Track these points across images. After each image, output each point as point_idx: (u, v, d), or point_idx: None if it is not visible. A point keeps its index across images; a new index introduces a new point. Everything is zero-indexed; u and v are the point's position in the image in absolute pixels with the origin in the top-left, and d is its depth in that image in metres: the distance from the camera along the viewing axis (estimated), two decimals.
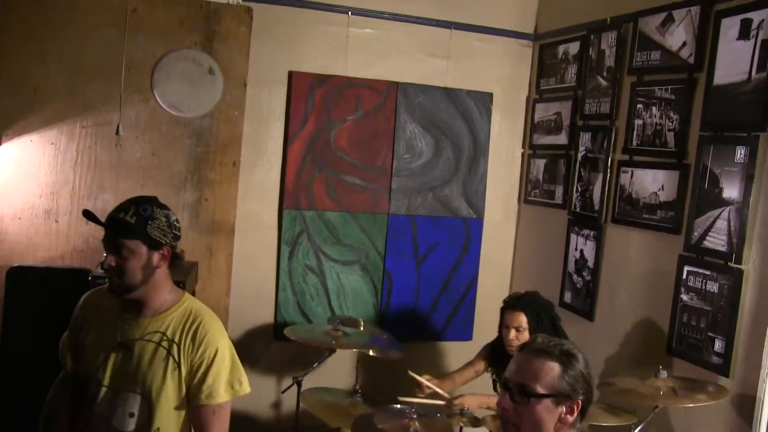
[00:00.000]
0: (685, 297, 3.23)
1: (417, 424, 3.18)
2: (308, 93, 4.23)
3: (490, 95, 4.59)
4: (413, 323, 4.50)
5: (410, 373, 3.37)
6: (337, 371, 4.02)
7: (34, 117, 3.84)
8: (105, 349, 2.20)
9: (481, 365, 3.60)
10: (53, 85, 3.85)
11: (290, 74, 4.23)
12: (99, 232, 3.77)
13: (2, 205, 3.85)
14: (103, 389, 2.18)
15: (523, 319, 3.30)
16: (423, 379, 3.36)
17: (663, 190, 3.44)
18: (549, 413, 1.76)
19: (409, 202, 4.46)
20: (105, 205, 3.89)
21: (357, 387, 3.61)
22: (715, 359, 3.04)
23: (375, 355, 3.74)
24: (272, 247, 4.25)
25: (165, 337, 2.17)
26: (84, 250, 3.91)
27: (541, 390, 1.76)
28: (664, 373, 2.91)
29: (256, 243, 4.22)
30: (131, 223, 2.10)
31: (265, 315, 4.26)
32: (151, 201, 2.19)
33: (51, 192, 3.89)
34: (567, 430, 1.79)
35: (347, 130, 4.32)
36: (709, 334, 3.08)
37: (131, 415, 2.16)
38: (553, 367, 1.78)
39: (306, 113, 4.24)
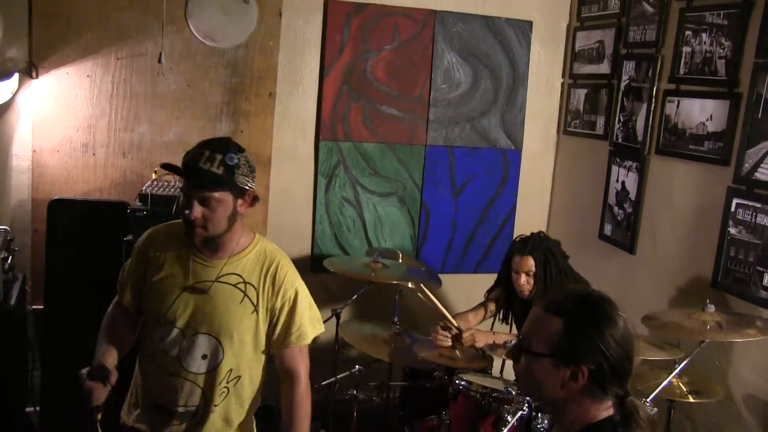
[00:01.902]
0: (733, 230, 3.06)
1: (457, 353, 3.15)
2: (344, 22, 4.03)
3: (530, 23, 4.35)
4: (450, 255, 4.41)
5: (423, 288, 3.25)
6: (376, 303, 3.95)
7: (69, 49, 3.73)
8: (176, 290, 2.11)
9: (492, 306, 3.49)
10: (86, 15, 3.71)
11: (326, 2, 4.01)
12: (136, 165, 3.82)
13: (41, 138, 3.78)
14: (175, 330, 2.10)
15: (531, 263, 3.17)
16: (438, 303, 3.23)
17: (711, 120, 3.24)
18: (548, 375, 1.52)
19: (446, 133, 4.29)
20: (141, 137, 3.82)
21: (395, 319, 3.55)
22: (763, 294, 2.90)
23: (413, 287, 3.65)
24: (309, 179, 4.13)
25: (241, 279, 2.10)
26: (121, 183, 3.85)
27: (536, 347, 1.54)
28: (711, 307, 2.78)
29: (293, 175, 4.10)
30: (219, 174, 1.99)
31: (302, 247, 4.17)
32: (232, 146, 2.08)
33: (88, 125, 3.81)
34: (584, 399, 1.52)
35: (384, 60, 4.13)
36: (758, 268, 2.93)
37: (204, 356, 2.10)
38: (555, 324, 1.52)
39: (342, 43, 4.05)
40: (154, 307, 2.15)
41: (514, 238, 3.37)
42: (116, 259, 3.09)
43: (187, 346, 2.10)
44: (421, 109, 4.23)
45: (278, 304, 2.12)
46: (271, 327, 2.14)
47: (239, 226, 2.13)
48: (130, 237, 3.30)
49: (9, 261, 3.41)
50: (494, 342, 3.14)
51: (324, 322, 3.75)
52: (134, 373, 2.28)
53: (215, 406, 2.13)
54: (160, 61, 3.69)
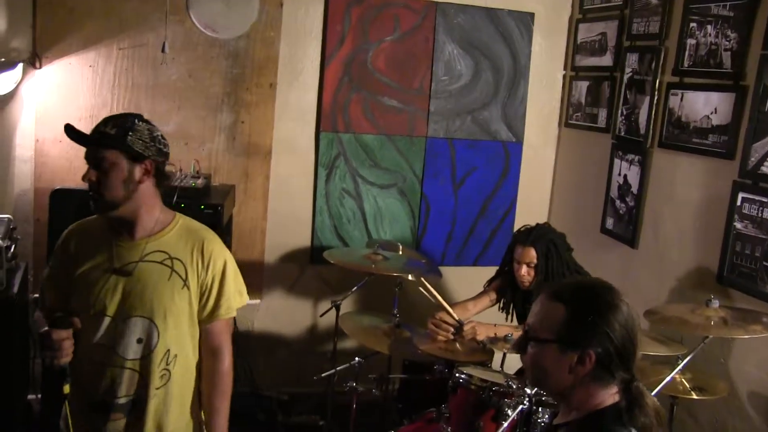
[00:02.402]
0: (738, 225, 2.99)
1: (458, 346, 3.08)
2: (345, 13, 3.96)
3: (532, 15, 4.27)
4: (450, 248, 4.34)
5: (423, 281, 3.18)
6: (375, 295, 3.89)
7: (72, 39, 3.69)
8: (101, 278, 2.01)
9: (493, 295, 3.43)
10: (89, 5, 3.67)
11: None
12: None
13: (44, 128, 3.74)
14: (106, 318, 1.99)
15: (533, 255, 3.09)
16: (438, 296, 3.17)
17: (716, 113, 3.16)
18: (555, 361, 1.52)
19: (447, 124, 4.22)
20: None
21: (395, 311, 3.49)
22: None
23: (413, 279, 3.59)
24: (309, 170, 4.07)
25: (167, 255, 2.03)
26: None
27: (541, 334, 1.55)
28: (715, 303, 2.70)
29: (293, 166, 4.04)
30: (111, 134, 1.94)
31: (302, 238, 4.12)
32: (134, 115, 2.03)
33: (90, 115, 3.75)
34: (591, 384, 1.52)
35: (384, 51, 4.06)
36: (765, 263, 2.85)
37: (139, 341, 2.00)
38: (558, 310, 1.53)
39: (343, 34, 3.98)
40: (83, 300, 2.03)
41: (518, 228, 3.30)
42: None
43: (121, 332, 1.99)
44: (422, 101, 4.16)
45: (209, 278, 2.06)
46: (202, 301, 2.07)
47: (150, 201, 2.04)
48: None
49: (12, 250, 3.36)
50: (495, 335, 3.07)
51: (323, 314, 3.80)
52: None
53: (156, 389, 2.02)
54: (163, 50, 3.63)
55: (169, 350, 2.03)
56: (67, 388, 1.95)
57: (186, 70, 3.80)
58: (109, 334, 1.99)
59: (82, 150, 3.66)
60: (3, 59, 3.54)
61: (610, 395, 1.52)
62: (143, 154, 1.96)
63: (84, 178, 1.96)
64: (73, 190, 3.49)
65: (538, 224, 3.21)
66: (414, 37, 4.10)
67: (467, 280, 3.99)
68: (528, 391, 2.68)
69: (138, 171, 1.97)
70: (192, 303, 2.05)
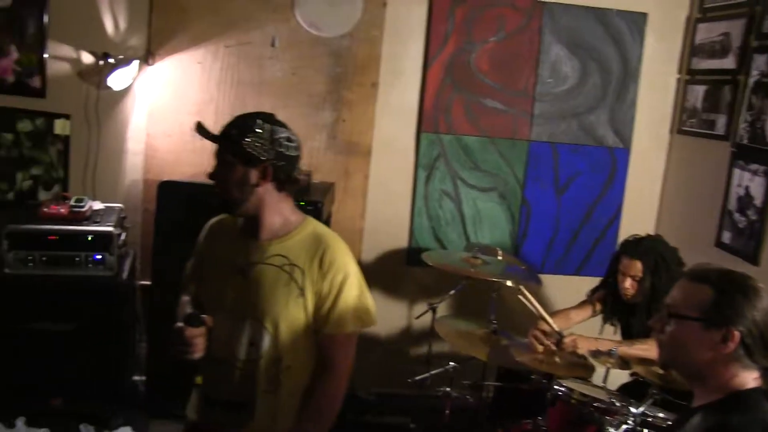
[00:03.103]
0: None
1: (557, 359, 2.93)
2: (449, 13, 3.87)
3: (644, 15, 4.03)
4: (550, 255, 4.16)
5: (523, 290, 3.03)
6: (472, 300, 3.77)
7: (183, 37, 3.77)
8: (225, 274, 2.01)
9: (598, 305, 3.24)
10: (199, 4, 3.74)
11: None
12: None
13: (155, 122, 3.84)
14: (224, 315, 1.99)
15: (639, 268, 2.92)
16: (538, 306, 3.00)
17: None
18: (697, 338, 1.58)
19: (551, 128, 4.05)
20: None
21: (492, 317, 3.36)
22: None
23: (512, 285, 3.45)
24: (409, 171, 3.99)
25: (287, 261, 1.95)
26: None
27: (686, 311, 1.61)
28: None
29: (393, 166, 3.98)
30: (230, 136, 1.92)
31: (399, 239, 4.04)
32: (261, 115, 1.95)
33: (197, 110, 3.82)
34: (733, 364, 1.56)
35: (488, 52, 3.93)
36: None
37: (251, 343, 1.96)
38: (704, 290, 1.59)
39: (446, 34, 3.88)
40: (208, 294, 2.07)
41: (626, 237, 3.10)
42: None
43: (235, 331, 1.97)
44: (525, 104, 4.01)
45: (325, 288, 1.94)
46: (316, 312, 1.97)
47: (273, 204, 1.97)
48: None
49: (123, 237, 3.48)
50: (597, 349, 2.88)
51: (419, 316, 3.71)
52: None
53: (264, 393, 1.98)
54: (273, 44, 3.66)
55: (280, 358, 1.96)
56: (199, 379, 1.99)
57: (290, 68, 3.81)
58: (225, 332, 1.98)
59: (189, 144, 3.80)
60: (121, 56, 3.69)
61: (752, 378, 1.56)
62: (259, 158, 1.90)
63: (209, 174, 1.98)
64: (180, 183, 3.60)
65: (648, 235, 3.01)
66: (519, 37, 3.95)
67: (567, 290, 3.82)
68: (633, 410, 2.50)
69: (254, 175, 1.92)
70: (308, 313, 1.96)
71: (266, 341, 1.95)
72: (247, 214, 1.97)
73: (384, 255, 4.05)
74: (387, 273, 4.05)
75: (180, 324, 1.94)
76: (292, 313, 1.94)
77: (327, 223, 3.61)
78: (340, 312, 1.95)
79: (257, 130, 1.90)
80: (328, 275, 1.94)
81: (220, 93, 3.80)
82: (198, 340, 1.91)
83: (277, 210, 1.98)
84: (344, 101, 3.85)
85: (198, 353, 1.92)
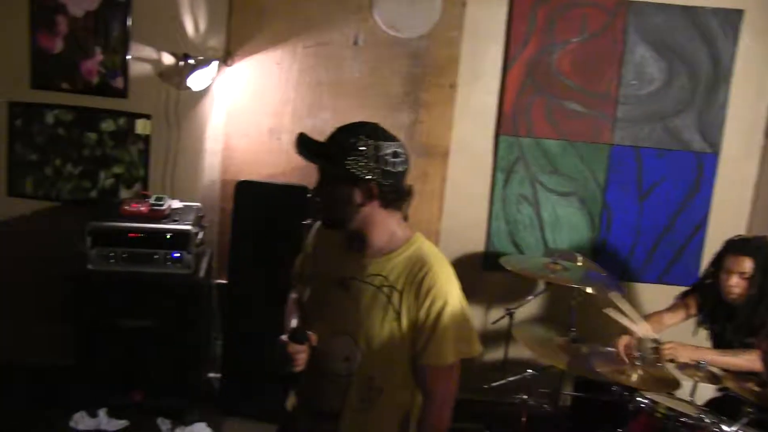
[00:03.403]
0: None
1: (641, 372, 2.90)
2: (530, 13, 3.88)
3: (740, 12, 3.94)
4: (632, 263, 4.12)
5: (615, 298, 3.00)
6: (551, 306, 3.76)
7: (261, 37, 3.88)
8: (326, 283, 1.99)
9: (693, 309, 3.19)
10: (277, 5, 3.85)
11: None
12: None
13: (233, 122, 3.97)
14: (321, 327, 1.97)
15: (748, 265, 2.88)
16: (632, 312, 2.97)
17: None
18: None
19: (634, 132, 4.01)
20: (324, 123, 3.88)
21: (571, 324, 3.36)
22: None
23: (592, 292, 3.44)
24: (486, 174, 4.01)
25: (386, 282, 1.88)
26: (303, 168, 3.81)
27: None
28: None
29: (470, 168, 4.00)
30: (331, 154, 1.83)
31: (476, 243, 4.07)
32: (364, 130, 1.87)
33: (275, 111, 3.94)
34: None
35: (571, 53, 3.92)
36: None
37: (345, 359, 1.93)
38: None
39: (527, 34, 3.90)
40: (307, 303, 2.06)
41: (731, 236, 3.07)
42: (295, 240, 3.16)
43: (330, 345, 1.95)
44: (608, 106, 3.98)
45: (422, 315, 1.86)
46: (413, 338, 1.89)
47: (379, 222, 1.90)
48: (308, 221, 3.40)
49: (200, 236, 3.62)
50: (698, 361, 2.82)
51: (496, 321, 3.73)
52: None
53: (353, 412, 1.96)
54: (356, 43, 3.75)
55: (372, 378, 1.93)
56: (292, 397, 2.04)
57: (368, 69, 3.89)
58: (322, 344, 1.96)
59: (266, 144, 3.92)
60: (201, 57, 3.83)
61: None
62: (363, 178, 1.82)
63: (312, 190, 1.97)
64: (256, 183, 3.73)
65: (756, 236, 2.98)
66: (602, 37, 3.93)
67: (649, 298, 3.79)
68: (725, 428, 2.46)
69: (358, 194, 1.84)
70: (403, 336, 1.89)
71: (359, 359, 1.91)
72: (351, 229, 1.92)
73: (460, 258, 4.08)
74: (463, 277, 3.97)
75: (284, 338, 1.94)
76: (386, 335, 1.88)
77: None
78: (438, 342, 1.87)
79: (360, 148, 1.81)
80: (426, 302, 1.86)
81: (297, 94, 3.91)
82: (300, 356, 1.90)
83: (384, 226, 1.92)
84: (422, 102, 3.91)
85: (298, 368, 1.91)
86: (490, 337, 4.09)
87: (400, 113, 3.91)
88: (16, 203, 4.07)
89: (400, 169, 1.88)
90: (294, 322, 2.08)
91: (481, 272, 4.08)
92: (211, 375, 4.03)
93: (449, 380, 1.93)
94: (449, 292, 1.89)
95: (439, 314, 1.85)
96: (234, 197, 3.68)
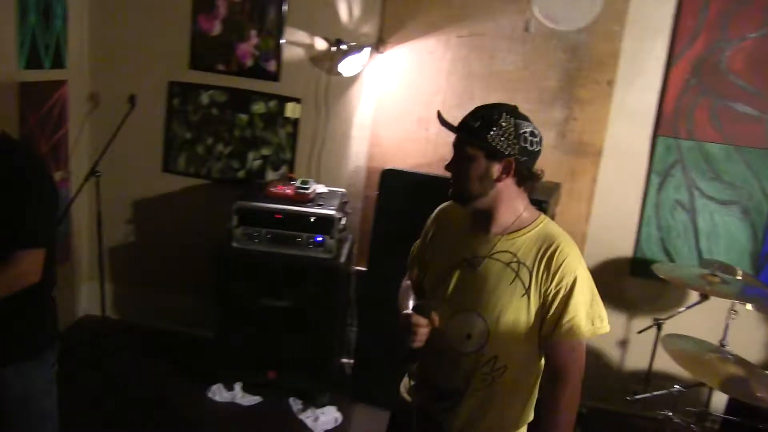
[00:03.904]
0: None
1: None
2: (701, 6, 3.78)
3: None
4: None
5: None
6: (703, 320, 3.69)
7: (414, 25, 4.02)
8: (450, 264, 2.07)
9: None
10: None
11: None
12: None
13: (381, 110, 4.14)
14: (445, 305, 2.05)
15: None
16: None
17: None
18: None
19: None
20: None
21: (724, 341, 3.30)
22: None
23: (751, 309, 3.37)
24: (640, 176, 3.98)
25: (515, 259, 1.98)
26: (449, 159, 4.03)
27: None
28: None
29: (623, 170, 3.98)
30: (474, 128, 1.94)
31: (624, 247, 4.05)
32: (505, 108, 1.98)
33: (424, 100, 4.07)
34: None
35: (745, 51, 3.79)
36: None
37: (468, 336, 2.01)
38: None
39: (696, 30, 3.81)
40: (431, 282, 2.15)
41: None
42: None
43: (455, 323, 2.03)
44: None
45: (552, 290, 1.94)
46: (541, 314, 1.97)
47: (510, 199, 2.00)
48: None
49: (343, 222, 3.81)
50: None
51: (642, 330, 3.71)
52: None
53: (476, 391, 2.04)
54: (527, 29, 3.82)
55: (496, 357, 2.01)
56: (414, 366, 2.12)
57: (522, 62, 3.94)
58: (445, 322, 2.04)
59: (414, 133, 4.06)
60: (353, 43, 4.02)
61: None
62: (503, 152, 1.93)
63: (445, 166, 2.05)
64: (402, 171, 3.83)
65: None
66: None
67: None
68: None
69: (496, 169, 1.95)
70: (531, 314, 1.98)
71: (483, 337, 2.00)
72: (481, 208, 2.01)
73: (606, 262, 4.08)
74: (607, 281, 4.05)
75: (408, 311, 2.03)
76: (513, 312, 1.97)
77: None
78: (571, 316, 1.95)
79: (502, 123, 1.93)
80: (556, 278, 1.95)
81: (448, 84, 4.02)
82: (422, 331, 1.99)
83: (512, 205, 2.02)
84: (576, 99, 3.92)
85: (418, 343, 2.00)
86: (634, 347, 4.07)
87: (553, 109, 3.94)
88: (170, 179, 4.45)
89: (536, 148, 1.99)
90: (411, 296, 2.19)
91: (627, 278, 4.06)
92: (344, 361, 4.24)
93: (580, 356, 1.99)
94: (579, 269, 1.97)
95: (571, 290, 1.94)
96: (379, 185, 3.82)
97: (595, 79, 3.90)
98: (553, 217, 3.80)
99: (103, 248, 4.28)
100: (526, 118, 1.99)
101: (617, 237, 4.04)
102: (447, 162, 2.03)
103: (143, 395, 3.91)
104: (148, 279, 4.64)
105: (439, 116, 2.06)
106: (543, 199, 3.47)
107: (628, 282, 4.06)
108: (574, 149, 3.96)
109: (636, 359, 4.07)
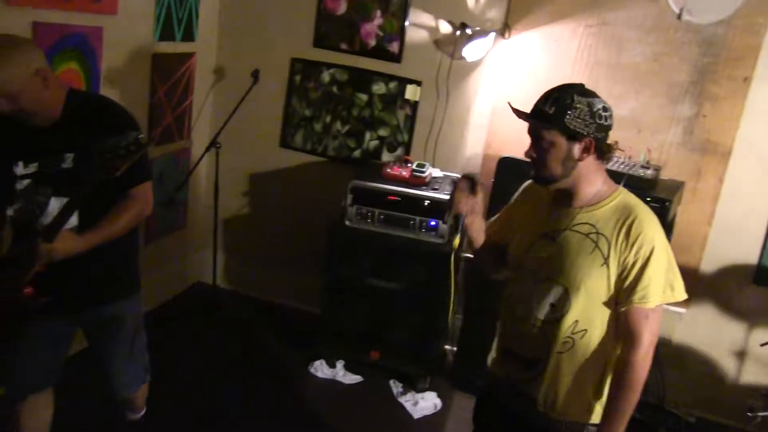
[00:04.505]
0: None
1: None
2: None
3: None
4: None
5: None
6: None
7: (542, 12, 4.13)
8: (531, 236, 2.28)
9: None
10: None
11: None
12: None
13: (501, 98, 4.26)
14: (528, 276, 2.26)
15: None
16: None
17: None
18: None
19: None
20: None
21: None
22: None
23: None
24: None
25: (594, 230, 2.16)
26: None
27: None
28: None
29: (754, 172, 3.95)
30: (549, 114, 2.09)
31: (748, 254, 4.02)
32: (574, 88, 2.13)
33: (546, 88, 4.03)
34: None
35: None
36: None
37: (551, 305, 2.20)
38: None
39: None
40: (513, 252, 2.34)
41: None
42: None
43: (537, 293, 2.22)
44: None
45: (630, 259, 2.11)
46: (619, 282, 2.14)
47: (591, 175, 2.18)
48: None
49: None
50: None
51: (765, 344, 3.69)
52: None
53: (558, 353, 2.21)
54: (679, 17, 3.83)
55: (577, 321, 2.18)
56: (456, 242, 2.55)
57: (652, 53, 3.98)
58: (528, 292, 2.26)
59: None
60: (478, 28, 4.16)
61: None
62: (582, 132, 2.09)
63: (526, 153, 2.19)
64: (520, 161, 3.89)
65: None
66: None
67: None
68: None
69: (577, 149, 2.12)
70: (610, 282, 2.14)
71: (566, 305, 2.18)
72: (564, 186, 2.20)
73: (727, 268, 4.08)
74: (727, 288, 4.07)
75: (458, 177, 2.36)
76: (593, 280, 2.14)
77: (671, 225, 3.75)
78: (645, 284, 2.11)
79: (576, 105, 2.08)
80: (635, 246, 2.11)
81: (572, 72, 4.11)
82: (462, 199, 2.39)
83: (592, 180, 2.19)
84: (708, 95, 3.92)
85: (461, 210, 2.40)
86: (752, 360, 4.06)
87: (681, 105, 3.96)
88: (286, 154, 4.74)
89: (610, 123, 2.14)
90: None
91: (750, 286, 4.04)
92: (447, 347, 4.42)
93: (654, 322, 2.14)
94: (656, 238, 2.12)
95: (648, 258, 2.10)
96: (495, 173, 3.95)
97: (731, 75, 3.89)
98: (674, 217, 3.85)
99: (218, 218, 4.62)
100: (594, 95, 2.14)
101: (742, 242, 4.02)
102: (527, 150, 2.19)
103: (246, 365, 4.22)
104: (259, 251, 4.97)
105: (512, 107, 2.24)
106: (665, 198, 3.52)
107: (750, 290, 4.04)
108: (701, 147, 3.97)
109: (755, 373, 4.07)
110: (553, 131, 2.10)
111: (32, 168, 2.46)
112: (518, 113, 2.20)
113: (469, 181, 2.41)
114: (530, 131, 2.18)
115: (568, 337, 2.20)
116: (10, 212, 2.49)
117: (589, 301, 2.17)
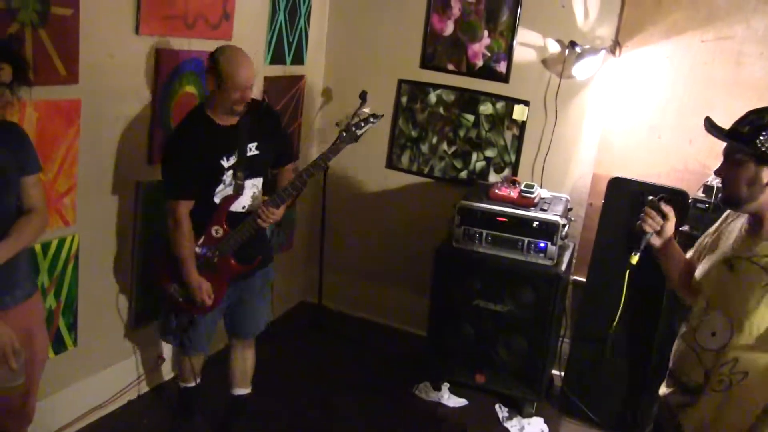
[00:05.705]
0: None
1: None
2: None
3: None
4: None
5: None
6: None
7: (654, 29, 4.33)
8: (716, 263, 2.31)
9: None
10: None
11: None
12: (701, 154, 4.26)
13: (612, 116, 4.49)
14: (702, 300, 2.32)
15: None
16: None
17: None
18: None
19: None
20: None
21: None
22: None
23: None
24: None
25: None
26: (681, 171, 4.33)
27: None
28: None
29: None
30: (742, 133, 2.15)
31: None
32: None
33: (658, 107, 4.37)
34: None
35: None
36: None
37: (713, 334, 2.23)
38: None
39: None
40: (696, 274, 2.39)
41: None
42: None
43: (705, 317, 2.27)
44: None
45: None
46: None
47: None
48: (686, 227, 3.73)
49: (566, 229, 4.20)
50: None
51: None
52: None
53: (712, 391, 2.22)
54: None
55: (737, 359, 2.18)
56: (634, 259, 2.51)
57: None
58: (698, 315, 2.32)
59: (645, 141, 4.41)
60: (588, 46, 4.41)
61: None
62: None
63: (715, 171, 2.28)
64: (631, 181, 4.10)
65: None
66: None
67: None
68: None
69: (766, 174, 2.15)
70: None
71: (726, 336, 2.20)
72: (751, 211, 2.24)
73: None
74: None
75: (654, 198, 2.49)
76: (760, 316, 2.14)
77: None
78: None
79: None
80: None
81: (685, 91, 4.29)
82: (655, 219, 2.45)
83: None
84: None
85: (648, 228, 2.46)
86: None
87: None
88: (392, 175, 5.13)
89: None
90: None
91: None
92: (555, 372, 4.64)
93: None
94: None
95: None
96: (605, 193, 4.15)
97: None
98: None
99: (325, 238, 5.04)
100: None
101: None
102: (719, 166, 2.29)
103: (351, 385, 4.49)
104: (364, 271, 5.35)
105: (708, 121, 2.29)
106: None
107: None
108: None
109: None
110: (743, 151, 2.16)
111: (233, 159, 3.31)
112: (713, 130, 2.26)
113: (669, 198, 2.52)
114: (724, 150, 2.26)
115: (726, 375, 2.20)
116: (217, 199, 3.32)
117: (753, 339, 2.16)
